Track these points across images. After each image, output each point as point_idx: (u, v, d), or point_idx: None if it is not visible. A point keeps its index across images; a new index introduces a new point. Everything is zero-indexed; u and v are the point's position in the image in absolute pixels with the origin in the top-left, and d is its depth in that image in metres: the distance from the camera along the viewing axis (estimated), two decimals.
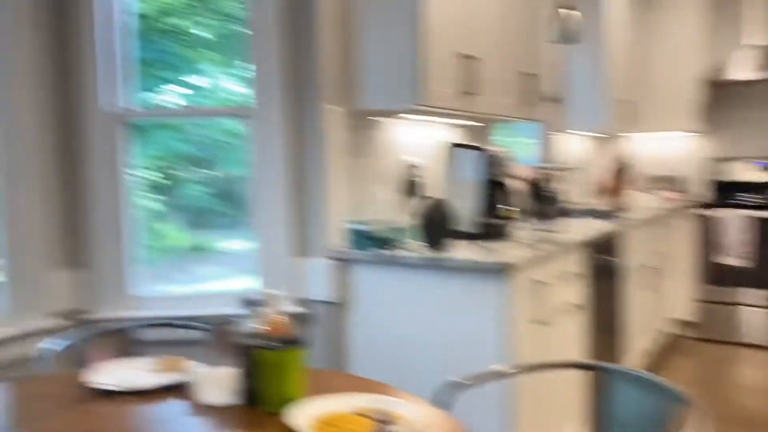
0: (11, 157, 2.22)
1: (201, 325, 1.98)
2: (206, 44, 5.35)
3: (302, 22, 2.45)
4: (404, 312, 2.38)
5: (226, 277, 5.72)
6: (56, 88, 2.33)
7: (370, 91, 2.48)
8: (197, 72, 4.87)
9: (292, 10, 2.46)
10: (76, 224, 2.39)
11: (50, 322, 2.26)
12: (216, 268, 6.01)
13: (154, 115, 2.64)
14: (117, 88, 2.43)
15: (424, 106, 2.39)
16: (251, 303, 1.41)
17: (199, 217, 5.98)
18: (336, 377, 1.72)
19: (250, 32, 2.51)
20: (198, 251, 5.96)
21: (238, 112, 2.71)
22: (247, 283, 2.79)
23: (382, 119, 2.74)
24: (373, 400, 1.33)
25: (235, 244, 6.30)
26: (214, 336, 1.54)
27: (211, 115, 3.19)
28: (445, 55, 2.47)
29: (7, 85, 2.20)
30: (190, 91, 4.74)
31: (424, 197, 2.70)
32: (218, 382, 1.42)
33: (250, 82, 2.61)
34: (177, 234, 5.38)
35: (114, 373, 1.52)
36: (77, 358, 1.93)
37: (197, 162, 5.98)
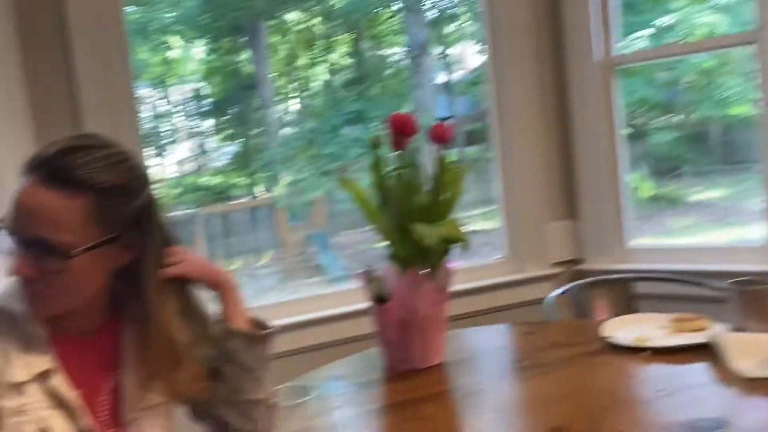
0: (506, 108, 2.37)
1: (713, 283, 1.78)
2: None
3: None
4: None
5: (701, 229, 5.21)
6: (549, 39, 2.39)
7: None
8: (664, 11, 4.47)
9: None
10: (569, 174, 2.43)
11: (547, 271, 2.37)
12: (689, 220, 5.53)
13: (644, 60, 2.49)
14: (605, 36, 2.36)
15: None
16: None
17: (665, 166, 5.58)
18: None
19: None
20: (664, 201, 5.60)
21: (738, 40, 2.32)
22: (740, 236, 2.43)
23: None
24: None
25: (711, 193, 5.67)
26: (737, 297, 1.34)
27: (707, 49, 2.89)
28: None
29: (506, 39, 2.35)
30: (654, 32, 4.40)
31: None
32: (751, 350, 1.22)
33: (730, 7, 2.20)
34: (643, 184, 5.14)
35: (627, 327, 1.45)
36: (575, 307, 1.95)
37: (664, 107, 5.56)
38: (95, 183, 0.90)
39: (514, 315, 2.21)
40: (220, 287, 1.09)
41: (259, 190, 6.09)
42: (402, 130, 1.33)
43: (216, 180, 6.06)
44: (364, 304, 2.12)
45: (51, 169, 0.89)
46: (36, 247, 0.89)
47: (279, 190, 5.98)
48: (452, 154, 1.42)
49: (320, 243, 6.14)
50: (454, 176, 1.39)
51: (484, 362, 1.54)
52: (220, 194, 5.95)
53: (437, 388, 1.35)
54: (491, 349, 1.63)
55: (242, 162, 6.13)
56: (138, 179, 0.96)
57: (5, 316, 0.93)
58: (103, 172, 0.91)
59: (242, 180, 6.18)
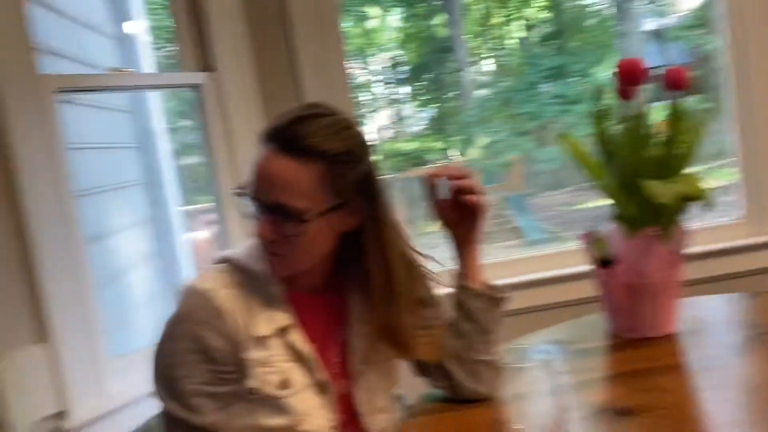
0: (745, 48, 2.07)
1: None
2: None
3: None
4: None
5: None
6: None
7: None
8: None
9: None
10: None
11: None
12: None
13: None
14: None
15: None
16: None
17: None
18: None
19: None
20: None
21: None
22: None
23: None
24: None
25: None
26: None
27: None
28: None
29: None
30: None
31: None
32: None
33: None
34: None
35: None
36: None
37: None
38: (324, 150, 0.92)
39: (753, 283, 1.97)
40: (475, 240, 1.09)
41: (454, 153, 6.10)
42: (631, 78, 1.20)
43: (413, 145, 6.19)
44: (567, 269, 2.03)
45: (284, 138, 0.93)
46: (276, 212, 0.94)
47: (474, 152, 5.95)
48: (688, 103, 1.26)
49: (517, 205, 6.01)
50: (690, 127, 1.24)
51: (724, 334, 1.37)
52: (417, 159, 6.07)
53: (671, 360, 1.23)
54: (731, 319, 1.46)
55: (438, 126, 6.18)
56: (361, 146, 0.98)
57: (249, 275, 1.00)
58: (331, 139, 0.93)
59: (438, 144, 6.24)
